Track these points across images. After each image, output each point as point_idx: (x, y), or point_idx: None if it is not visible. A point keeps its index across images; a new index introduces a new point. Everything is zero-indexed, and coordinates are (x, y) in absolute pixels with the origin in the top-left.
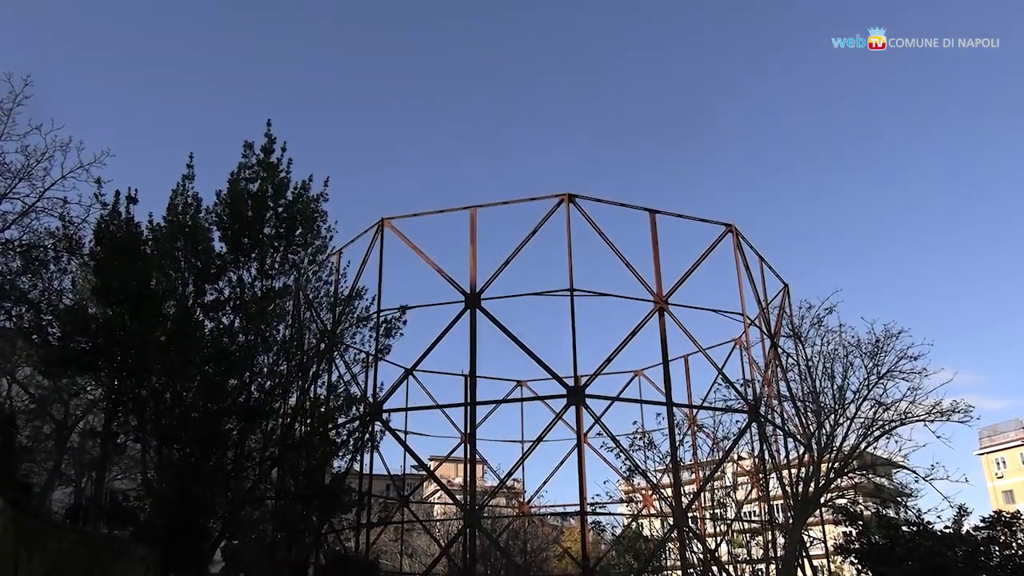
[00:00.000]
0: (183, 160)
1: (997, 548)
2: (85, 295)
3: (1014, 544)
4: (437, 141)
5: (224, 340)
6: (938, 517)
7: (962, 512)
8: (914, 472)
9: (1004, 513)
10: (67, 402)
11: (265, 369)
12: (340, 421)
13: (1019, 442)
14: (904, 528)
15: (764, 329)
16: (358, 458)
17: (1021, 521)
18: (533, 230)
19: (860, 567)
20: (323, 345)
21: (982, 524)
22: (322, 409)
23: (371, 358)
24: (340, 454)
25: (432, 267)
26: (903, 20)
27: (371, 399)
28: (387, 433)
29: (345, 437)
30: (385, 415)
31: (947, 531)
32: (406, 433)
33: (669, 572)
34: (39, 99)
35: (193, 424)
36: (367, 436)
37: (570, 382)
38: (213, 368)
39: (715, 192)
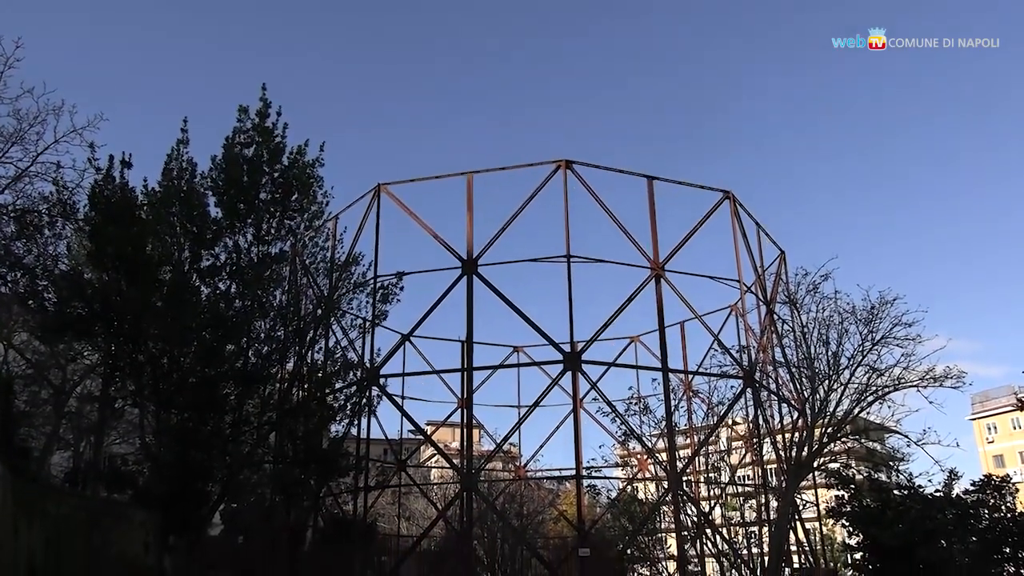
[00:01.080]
0: (177, 125)
1: (986, 511)
2: (80, 260)
3: (1003, 507)
4: (434, 107)
5: (221, 306)
6: (929, 481)
7: (953, 476)
8: (906, 437)
9: (994, 477)
10: (64, 367)
11: (262, 335)
12: (337, 386)
13: (1011, 407)
14: (895, 492)
15: (760, 296)
16: (355, 423)
17: (1010, 485)
18: (530, 196)
19: (851, 530)
20: (320, 311)
21: (972, 488)
22: (319, 374)
23: (368, 324)
24: (337, 419)
25: (429, 233)
26: (903, 20)
27: (368, 364)
28: (384, 398)
29: (342, 402)
30: (382, 380)
31: (938, 495)
32: (403, 398)
33: (664, 535)
34: (30, 62)
35: (191, 389)
36: (364, 401)
37: (566, 348)
38: (210, 334)
39: (713, 159)
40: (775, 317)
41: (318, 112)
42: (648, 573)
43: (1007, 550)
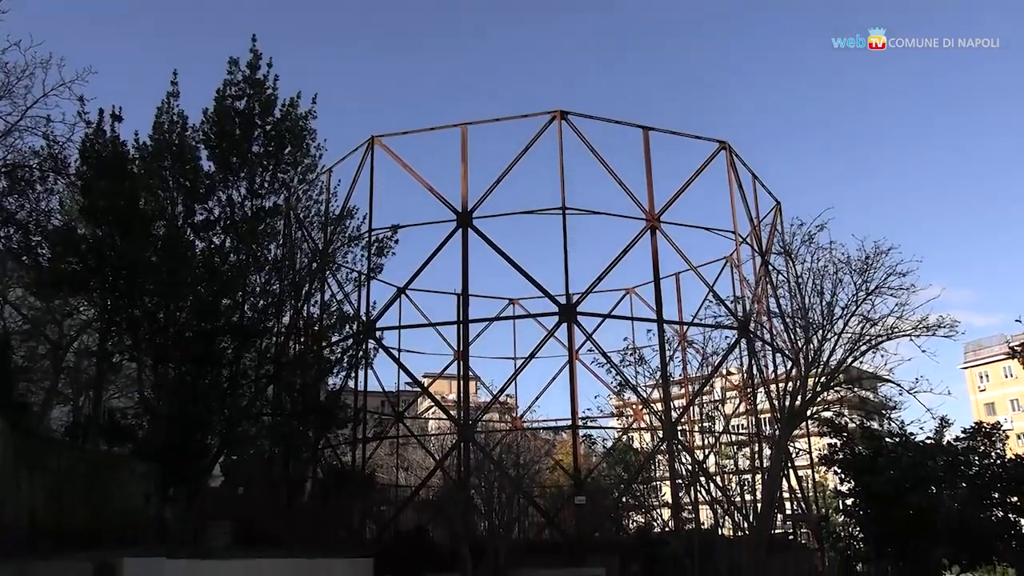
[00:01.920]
0: (167, 78)
1: (976, 458)
2: (73, 215)
3: (993, 454)
4: (427, 58)
5: (215, 260)
6: (920, 429)
7: (944, 423)
8: (898, 385)
9: (985, 424)
10: (60, 322)
11: (257, 289)
12: (334, 339)
13: (1003, 356)
14: (887, 439)
15: (755, 247)
16: (353, 375)
17: (1001, 432)
18: (525, 148)
19: (843, 477)
20: (315, 264)
21: (963, 435)
22: (315, 327)
23: (363, 277)
24: (335, 371)
25: (423, 186)
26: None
27: (364, 317)
28: (381, 351)
29: (339, 355)
30: (378, 333)
31: (929, 442)
32: (400, 351)
33: (658, 483)
34: (15, 13)
35: (187, 343)
36: (361, 354)
37: (562, 300)
38: (205, 288)
39: (709, 109)
40: (770, 268)
41: (309, 65)
42: (643, 520)
43: (996, 495)
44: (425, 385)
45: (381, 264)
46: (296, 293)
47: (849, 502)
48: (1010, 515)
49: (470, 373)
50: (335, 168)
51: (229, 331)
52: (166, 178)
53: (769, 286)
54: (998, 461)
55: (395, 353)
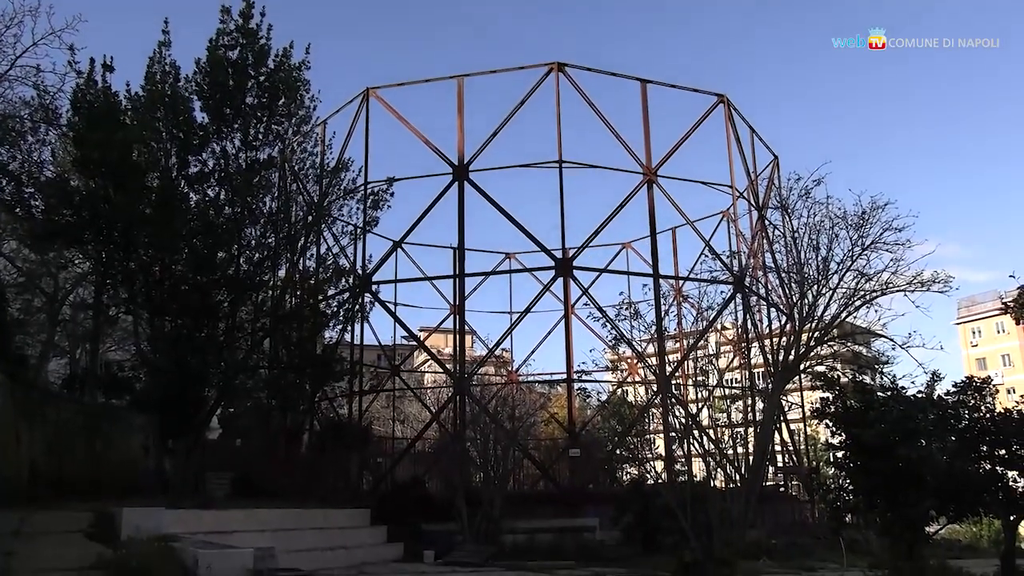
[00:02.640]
0: (158, 26)
1: (966, 411)
2: (66, 167)
3: (982, 408)
4: (423, 9)
5: (210, 213)
6: (912, 383)
7: (935, 378)
8: (891, 340)
9: (975, 378)
10: (56, 275)
11: (253, 242)
12: (330, 293)
13: (996, 312)
14: (879, 393)
15: (752, 201)
16: (349, 329)
17: (991, 386)
18: (522, 100)
19: (834, 430)
20: (310, 217)
21: (954, 389)
22: (311, 281)
23: (359, 230)
24: (331, 325)
25: (419, 138)
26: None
27: (360, 271)
28: (377, 304)
29: (335, 308)
30: (374, 287)
31: (919, 396)
32: (396, 305)
33: (652, 436)
34: None
35: (183, 296)
36: (357, 307)
37: (558, 254)
38: (200, 241)
39: (708, 63)
40: (766, 223)
41: (303, 15)
42: (636, 472)
43: (984, 449)
44: (421, 339)
45: (377, 217)
46: (292, 246)
47: (839, 454)
48: (997, 468)
49: (466, 327)
50: (330, 120)
51: (225, 284)
52: (159, 129)
53: (765, 241)
54: (987, 415)
55: (391, 307)
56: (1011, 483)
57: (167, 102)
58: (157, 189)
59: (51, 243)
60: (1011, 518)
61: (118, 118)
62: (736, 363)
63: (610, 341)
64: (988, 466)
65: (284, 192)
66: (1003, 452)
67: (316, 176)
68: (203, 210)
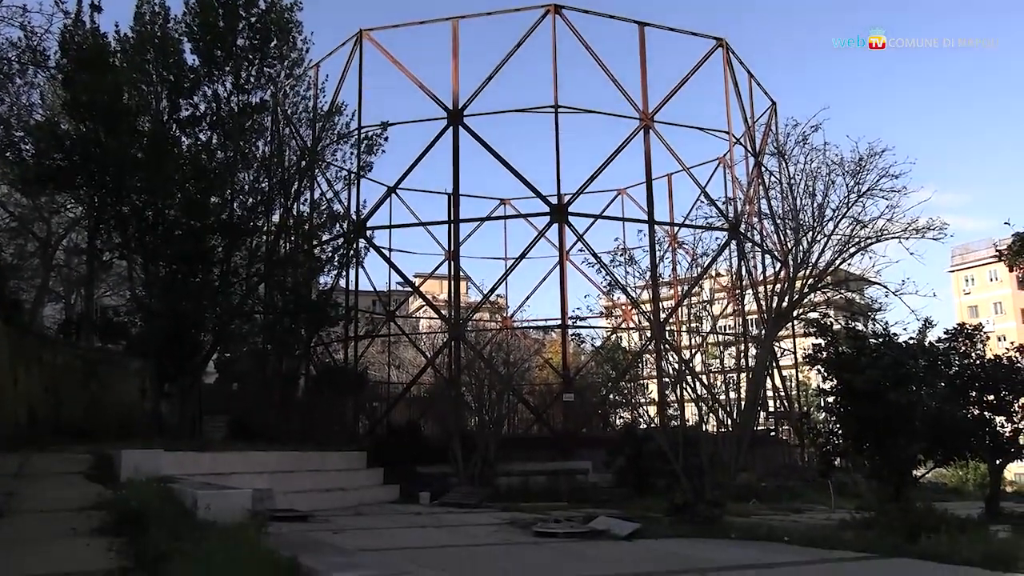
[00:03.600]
0: None
1: (957, 358)
2: (56, 110)
3: (973, 354)
4: None
5: (203, 157)
6: (904, 329)
7: (927, 324)
8: (885, 287)
9: (967, 326)
10: (48, 220)
11: (246, 186)
12: (324, 238)
13: (990, 260)
14: (872, 340)
15: (749, 148)
16: (343, 274)
17: (982, 333)
18: (518, 43)
19: (826, 375)
20: (304, 162)
21: (945, 336)
22: (305, 226)
23: (353, 175)
24: (325, 270)
25: (413, 82)
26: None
27: (354, 216)
28: (371, 250)
29: (330, 254)
30: (369, 232)
31: (911, 342)
32: (390, 250)
33: (645, 381)
34: None
35: (177, 241)
36: (351, 252)
37: (553, 200)
38: (193, 185)
39: (707, 6)
40: (763, 169)
41: None
42: (629, 417)
43: (973, 394)
44: (416, 285)
45: (371, 162)
46: (285, 191)
47: (830, 400)
48: (985, 413)
49: (461, 273)
50: (323, 63)
51: (219, 229)
52: (149, 72)
53: (761, 188)
54: (977, 361)
55: (386, 253)
56: (998, 428)
57: (157, 44)
58: (148, 133)
59: (43, 187)
60: (997, 462)
61: (107, 60)
62: (730, 309)
63: (605, 287)
64: (976, 411)
65: (277, 136)
66: (991, 398)
67: (309, 120)
68: (195, 154)
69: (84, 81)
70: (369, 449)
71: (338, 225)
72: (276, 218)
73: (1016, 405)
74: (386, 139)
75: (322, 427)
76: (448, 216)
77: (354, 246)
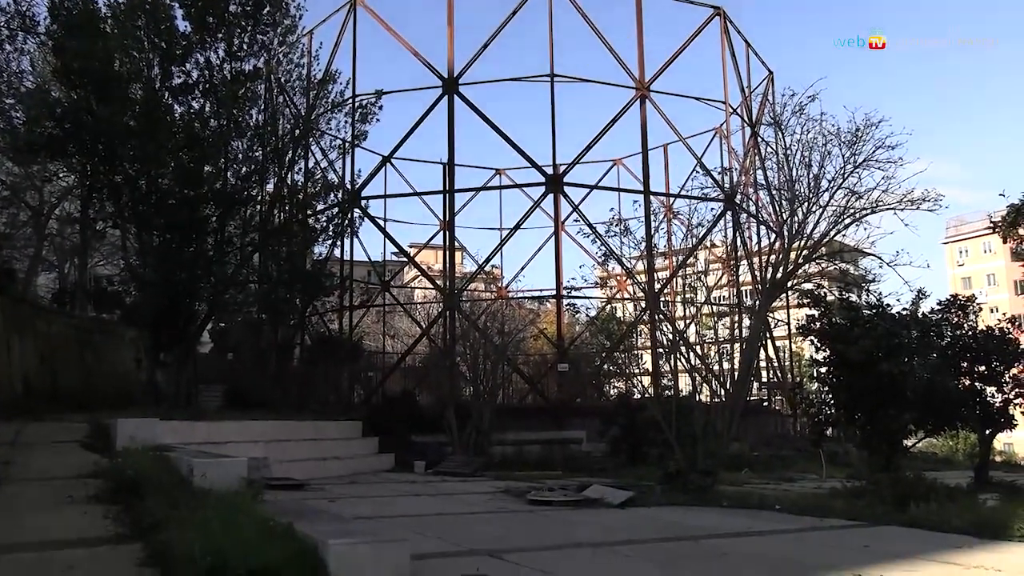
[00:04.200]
0: None
1: (949, 329)
2: (46, 77)
3: (965, 325)
4: None
5: (195, 125)
6: (897, 300)
7: (920, 295)
8: (879, 259)
9: (960, 297)
10: (40, 189)
11: (240, 155)
12: (319, 208)
13: (985, 231)
14: (865, 311)
15: (745, 118)
16: (338, 244)
17: (975, 304)
18: (513, 11)
19: (819, 346)
20: (298, 131)
21: (938, 307)
22: (300, 196)
23: (347, 145)
24: (320, 240)
25: (408, 49)
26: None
27: (349, 186)
28: (366, 220)
29: (324, 223)
30: (364, 202)
31: (904, 313)
32: (385, 220)
33: (640, 351)
34: None
35: (170, 210)
36: (346, 222)
37: (549, 170)
38: (186, 154)
39: None
40: (759, 139)
41: None
42: (623, 387)
43: (965, 365)
44: (411, 255)
45: (365, 131)
46: (279, 160)
47: (823, 370)
48: (976, 384)
49: (456, 243)
50: (316, 31)
51: (212, 198)
52: (140, 39)
53: (757, 158)
54: (970, 332)
55: (381, 222)
56: (988, 399)
57: (148, 9)
58: (140, 100)
59: (34, 156)
60: (987, 432)
61: (98, 26)
62: (724, 280)
63: (599, 258)
64: (967, 382)
65: (270, 105)
66: (983, 368)
67: (303, 88)
68: (188, 122)
69: (75, 48)
70: (364, 419)
71: (333, 194)
72: (270, 187)
73: (1007, 376)
74: (380, 108)
75: (317, 397)
76: (443, 186)
77: (349, 216)
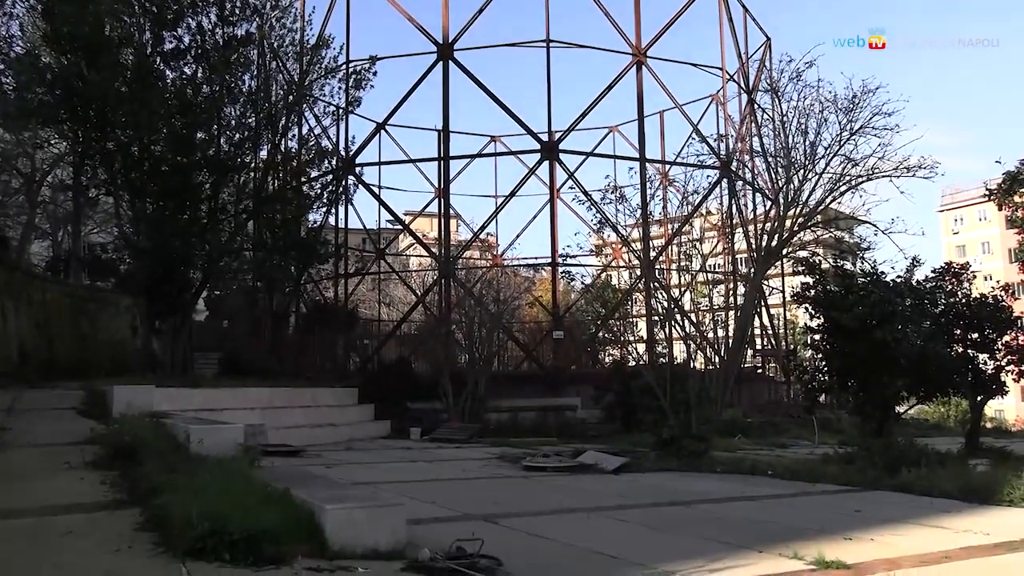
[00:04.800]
0: None
1: (943, 296)
2: (36, 43)
3: (959, 293)
4: None
5: (188, 91)
6: (892, 268)
7: (914, 263)
8: (874, 226)
9: (954, 264)
10: (32, 156)
11: (233, 122)
12: (313, 175)
13: (980, 199)
14: (860, 278)
15: (742, 84)
16: (333, 211)
17: (968, 272)
18: None
19: (813, 313)
20: (291, 97)
21: (932, 275)
22: (294, 163)
23: (341, 111)
24: (314, 207)
25: (402, 14)
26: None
27: (343, 153)
28: (361, 187)
29: (319, 191)
30: (358, 169)
31: (899, 280)
32: (380, 188)
33: (635, 319)
34: None
35: (164, 177)
36: (340, 189)
37: (544, 137)
38: (179, 120)
39: None
40: (755, 106)
41: None
42: (618, 354)
43: (958, 332)
44: (406, 222)
45: (359, 98)
46: (273, 127)
47: (817, 337)
48: (969, 351)
49: (451, 211)
50: None
51: (206, 165)
52: (131, 3)
53: (753, 125)
54: (963, 300)
55: (375, 190)
56: (980, 366)
57: None
58: (132, 66)
59: (25, 122)
60: (978, 399)
61: None
62: (720, 248)
63: (595, 225)
64: (960, 349)
65: (263, 70)
66: (975, 336)
67: (296, 54)
68: (180, 88)
69: (65, 12)
70: (360, 385)
71: (327, 161)
72: (264, 154)
73: (999, 343)
74: (375, 74)
75: (313, 364)
76: (438, 153)
77: (343, 183)
